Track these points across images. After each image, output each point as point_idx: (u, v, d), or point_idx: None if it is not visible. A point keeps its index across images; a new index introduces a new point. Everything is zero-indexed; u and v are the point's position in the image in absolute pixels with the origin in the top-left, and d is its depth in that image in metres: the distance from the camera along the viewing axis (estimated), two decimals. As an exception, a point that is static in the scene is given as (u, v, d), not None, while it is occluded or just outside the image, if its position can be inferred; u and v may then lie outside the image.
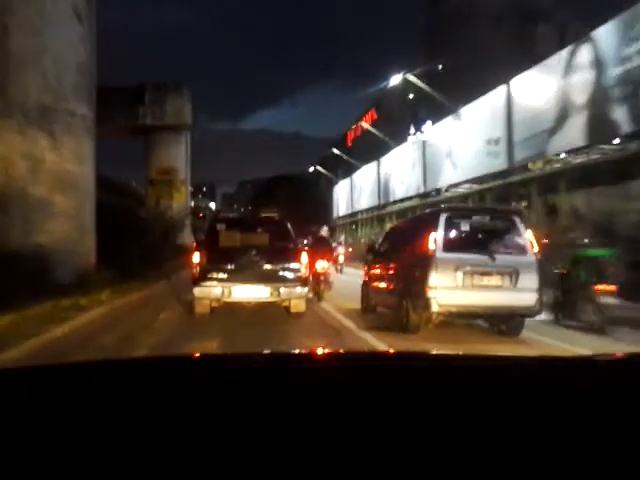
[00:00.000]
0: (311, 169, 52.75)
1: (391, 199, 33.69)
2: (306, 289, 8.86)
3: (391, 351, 3.71)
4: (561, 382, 1.09)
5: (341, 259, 21.63)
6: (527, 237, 7.32)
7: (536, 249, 7.28)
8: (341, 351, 2.76)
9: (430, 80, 27.07)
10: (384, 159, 35.00)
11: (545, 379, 1.12)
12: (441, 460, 0.80)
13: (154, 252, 14.88)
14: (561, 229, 13.59)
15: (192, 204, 45.04)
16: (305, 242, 15.37)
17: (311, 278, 10.02)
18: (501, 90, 20.13)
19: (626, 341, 7.18)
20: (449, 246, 7.15)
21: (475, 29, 34.62)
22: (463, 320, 8.08)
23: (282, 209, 12.25)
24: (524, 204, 18.12)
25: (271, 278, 8.55)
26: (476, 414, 0.93)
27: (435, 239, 7.13)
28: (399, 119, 40.16)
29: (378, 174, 36.23)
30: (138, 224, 15.03)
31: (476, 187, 22.71)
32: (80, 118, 11.07)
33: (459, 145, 23.69)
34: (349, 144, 48.69)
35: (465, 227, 7.34)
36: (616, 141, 15.22)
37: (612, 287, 7.86)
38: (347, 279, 16.41)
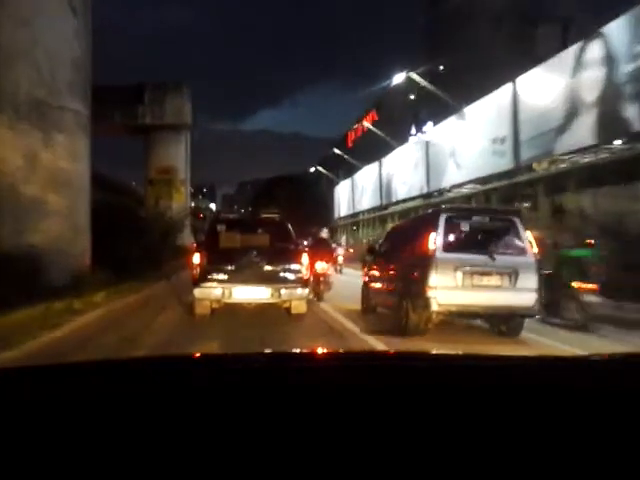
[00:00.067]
0: (312, 169, 52.72)
1: (393, 199, 33.56)
2: (307, 290, 8.87)
3: (391, 351, 3.73)
4: (561, 382, 1.10)
5: (340, 260, 21.85)
6: (526, 238, 7.39)
7: (535, 249, 7.36)
8: (341, 351, 2.78)
9: (431, 80, 26.95)
10: (386, 159, 34.88)
11: (545, 379, 1.13)
12: (441, 460, 0.80)
13: (153, 252, 14.87)
14: (546, 230, 13.45)
15: (192, 205, 44.99)
16: (305, 243, 15.32)
17: (311, 279, 10.06)
18: (507, 88, 19.85)
19: (610, 339, 7.37)
20: (449, 246, 7.22)
21: (475, 29, 34.51)
22: (463, 320, 8.18)
23: (282, 210, 12.09)
24: (526, 205, 17.93)
25: (272, 279, 8.52)
26: (476, 414, 0.93)
27: (435, 239, 7.20)
28: (400, 120, 40.16)
29: (380, 174, 36.12)
30: (137, 224, 14.96)
31: (480, 187, 22.53)
32: (74, 115, 10.72)
33: (463, 145, 23.47)
34: (350, 144, 48.66)
35: (465, 227, 7.41)
36: (619, 142, 14.97)
37: (594, 286, 8.15)
38: (347, 280, 16.48)
